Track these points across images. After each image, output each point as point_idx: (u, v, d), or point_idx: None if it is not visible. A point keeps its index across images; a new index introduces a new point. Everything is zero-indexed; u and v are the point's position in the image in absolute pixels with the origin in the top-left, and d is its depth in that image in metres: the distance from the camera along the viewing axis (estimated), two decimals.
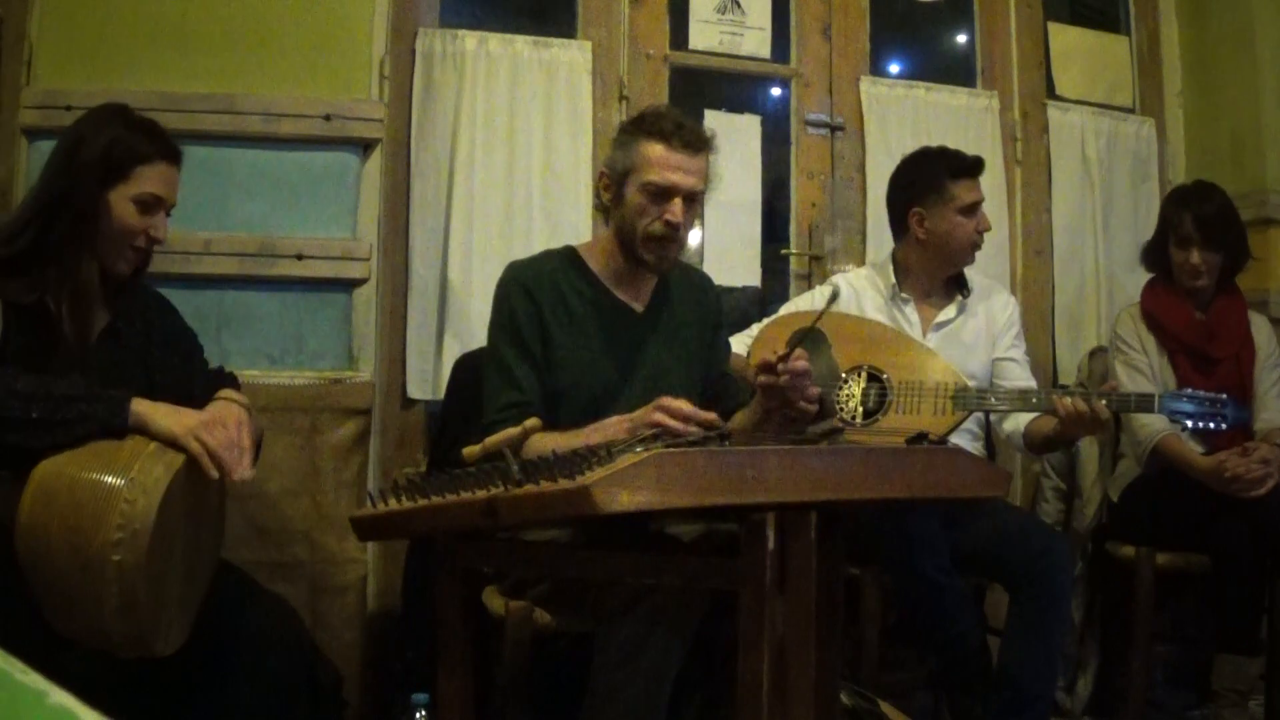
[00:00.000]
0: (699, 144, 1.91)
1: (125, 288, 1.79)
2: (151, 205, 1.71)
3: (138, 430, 1.53)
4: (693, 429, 1.61)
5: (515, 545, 1.72)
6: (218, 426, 1.58)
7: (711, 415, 1.67)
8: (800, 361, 1.78)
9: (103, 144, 1.67)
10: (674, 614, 1.59)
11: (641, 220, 1.90)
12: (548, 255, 2.05)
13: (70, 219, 1.66)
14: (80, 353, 1.67)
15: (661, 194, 1.88)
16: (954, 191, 2.44)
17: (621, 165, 1.92)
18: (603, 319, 1.97)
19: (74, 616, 1.44)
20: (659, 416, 1.66)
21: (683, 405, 1.67)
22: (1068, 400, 2.13)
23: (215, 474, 1.56)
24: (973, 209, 2.46)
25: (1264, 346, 2.61)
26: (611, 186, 1.95)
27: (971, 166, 2.47)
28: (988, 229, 2.50)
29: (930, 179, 2.48)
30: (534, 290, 1.93)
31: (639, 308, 2.02)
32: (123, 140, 1.68)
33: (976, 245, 2.50)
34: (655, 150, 1.88)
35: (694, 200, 1.92)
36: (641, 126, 1.93)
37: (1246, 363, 2.58)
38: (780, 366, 1.76)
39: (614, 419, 1.76)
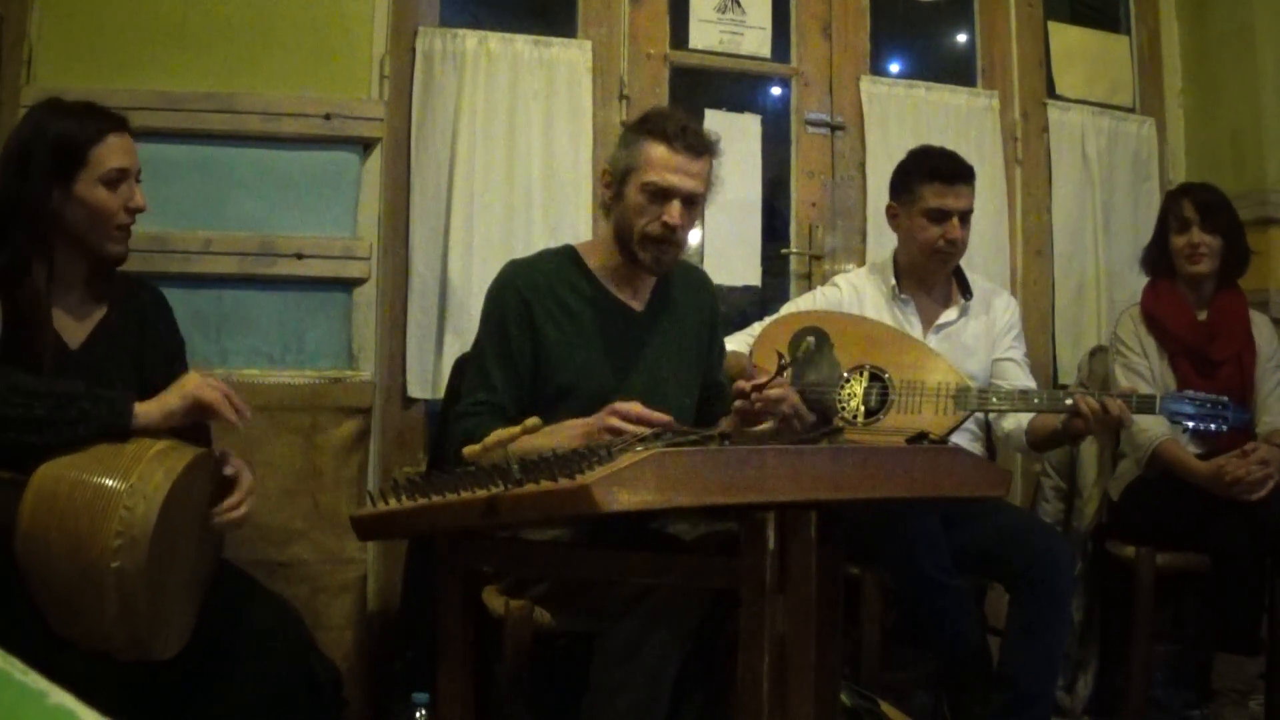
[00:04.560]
0: (701, 147, 1.91)
1: (118, 280, 1.79)
2: (119, 179, 1.71)
3: (144, 428, 1.53)
4: (644, 430, 1.61)
5: (515, 545, 1.72)
6: (210, 378, 1.63)
7: (664, 416, 1.67)
8: (775, 390, 1.79)
9: (49, 141, 1.66)
10: (674, 613, 1.59)
11: (639, 220, 1.90)
12: (546, 255, 2.05)
13: (27, 223, 1.65)
14: (60, 352, 1.67)
15: (661, 195, 1.89)
16: (921, 193, 2.42)
17: (623, 164, 1.93)
18: (601, 318, 1.97)
19: (73, 621, 1.44)
20: (612, 421, 1.66)
21: (633, 407, 1.68)
22: (1092, 400, 2.12)
23: (234, 417, 1.59)
24: (939, 215, 2.40)
25: (1265, 348, 2.61)
26: (613, 184, 1.95)
27: (948, 173, 2.42)
28: (955, 238, 2.40)
29: (906, 176, 2.48)
30: (528, 291, 1.94)
31: (638, 307, 2.02)
32: (67, 131, 1.67)
33: (940, 253, 2.43)
34: (657, 151, 1.89)
35: (693, 203, 1.92)
36: (645, 126, 1.93)
37: (1248, 365, 2.57)
38: (754, 396, 1.77)
39: (570, 422, 1.75)
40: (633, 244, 1.92)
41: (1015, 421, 2.38)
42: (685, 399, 2.05)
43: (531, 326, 1.92)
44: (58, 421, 1.47)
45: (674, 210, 1.89)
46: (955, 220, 2.41)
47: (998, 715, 2.14)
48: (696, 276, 2.18)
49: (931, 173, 2.42)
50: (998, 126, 3.18)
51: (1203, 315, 2.61)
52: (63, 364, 1.66)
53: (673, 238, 1.91)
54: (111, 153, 1.70)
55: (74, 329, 1.72)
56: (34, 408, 1.46)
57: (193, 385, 1.59)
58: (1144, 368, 2.59)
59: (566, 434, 1.70)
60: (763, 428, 1.86)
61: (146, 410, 1.54)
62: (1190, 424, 2.18)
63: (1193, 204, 2.58)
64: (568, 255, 2.02)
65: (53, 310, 1.68)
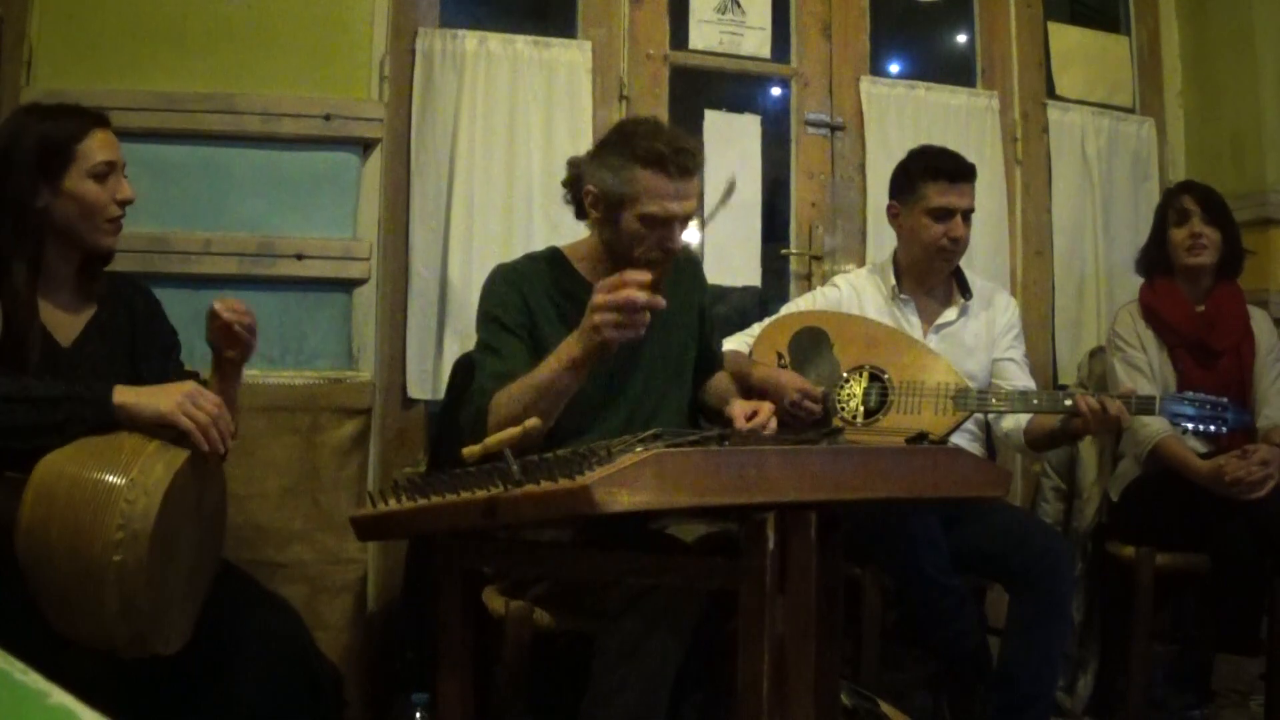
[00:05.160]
0: (694, 167, 1.89)
1: (107, 279, 1.79)
2: (107, 172, 1.71)
3: (126, 420, 1.52)
4: (633, 294, 1.59)
5: (515, 545, 1.72)
6: (201, 398, 1.57)
7: (644, 274, 1.63)
8: (754, 423, 1.81)
9: (33, 142, 1.66)
10: (673, 613, 1.59)
11: (638, 247, 1.89)
12: (532, 258, 2.05)
13: (12, 221, 1.65)
14: (51, 350, 1.67)
15: (660, 224, 1.87)
16: (924, 191, 2.42)
17: (615, 192, 1.87)
18: None
19: (75, 617, 1.44)
20: (598, 299, 1.62)
21: (613, 278, 1.64)
22: (1091, 399, 2.12)
23: (206, 447, 1.55)
24: (942, 213, 2.40)
25: (1264, 341, 2.61)
26: (600, 206, 1.91)
27: (952, 172, 2.42)
28: (958, 236, 2.41)
29: (909, 175, 2.48)
30: (524, 287, 1.94)
31: None
32: (49, 131, 1.68)
33: (944, 251, 2.43)
34: (655, 181, 1.84)
35: (688, 221, 1.92)
36: (637, 153, 1.85)
37: (1247, 356, 2.57)
38: (739, 426, 1.79)
39: (568, 339, 1.72)
40: (629, 266, 1.91)
41: (1014, 421, 2.38)
42: (680, 386, 2.06)
43: (530, 316, 1.92)
44: (44, 426, 1.47)
45: (674, 236, 1.88)
46: (959, 218, 2.41)
47: (998, 715, 2.14)
48: (681, 256, 2.16)
49: (935, 171, 2.42)
50: (998, 127, 3.19)
51: (1200, 308, 2.61)
52: (55, 362, 1.67)
53: (670, 258, 1.91)
54: (98, 147, 1.71)
55: (66, 327, 1.73)
56: (16, 414, 1.47)
57: (172, 405, 1.53)
58: (1143, 361, 2.59)
59: (564, 350, 1.69)
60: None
61: (124, 402, 1.52)
62: (1190, 425, 2.18)
63: (1193, 198, 2.60)
64: (554, 258, 2.03)
65: (44, 309, 1.69)
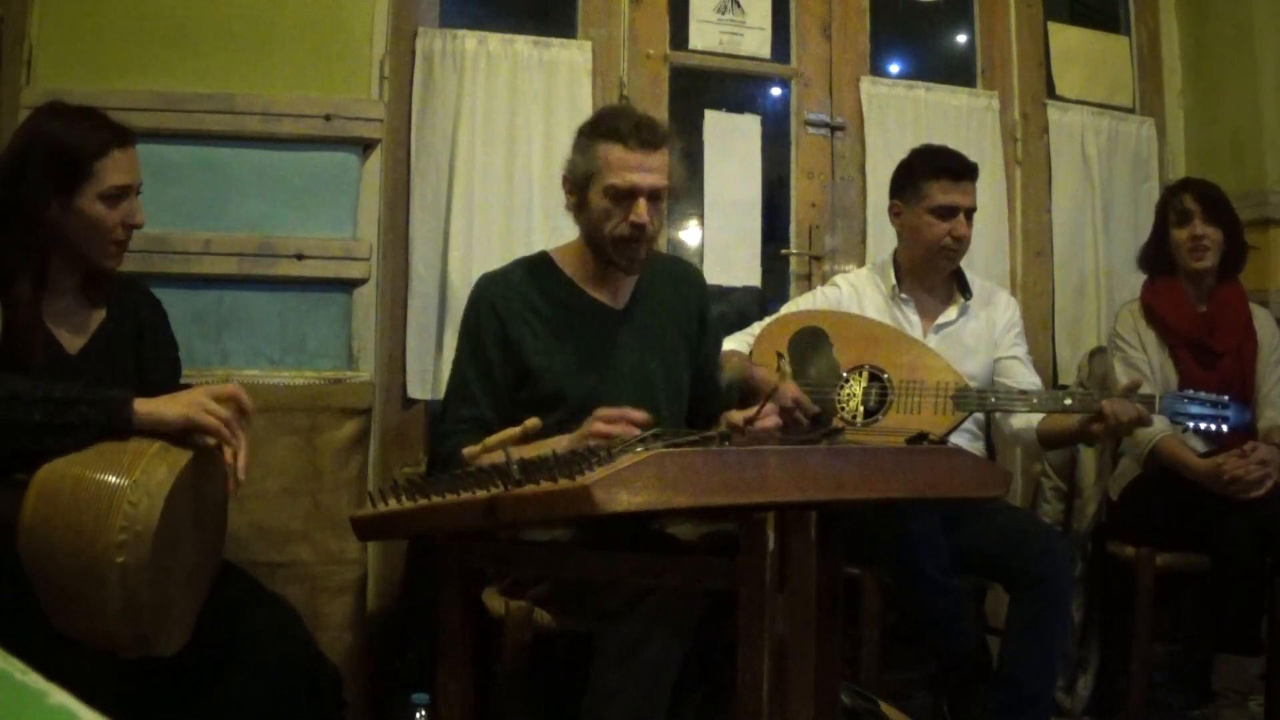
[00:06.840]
0: (657, 140, 1.90)
1: (116, 284, 1.79)
2: (120, 195, 1.68)
3: (144, 428, 1.51)
4: (630, 430, 1.60)
5: (515, 545, 1.72)
6: (214, 400, 1.56)
7: (642, 415, 1.65)
8: (768, 420, 1.80)
9: (51, 149, 1.63)
10: (673, 614, 1.60)
11: (607, 224, 1.90)
12: (518, 264, 2.05)
13: (21, 230, 1.63)
14: (57, 357, 1.66)
15: (624, 196, 1.88)
16: (927, 190, 2.42)
17: (582, 170, 1.92)
18: (579, 321, 1.97)
19: (77, 617, 1.44)
20: (598, 428, 1.64)
21: (611, 411, 1.67)
22: (1115, 404, 2.12)
23: (229, 445, 1.54)
24: (946, 211, 2.41)
25: (1267, 342, 2.60)
26: (575, 191, 1.95)
27: (955, 171, 2.43)
28: (961, 235, 2.42)
29: (912, 173, 2.48)
30: (500, 305, 1.94)
31: (617, 305, 2.02)
32: (71, 141, 1.64)
33: (946, 250, 2.44)
34: (613, 152, 1.88)
35: (658, 198, 1.92)
36: (599, 129, 1.92)
37: (1249, 357, 2.57)
38: (748, 432, 1.78)
39: (556, 438, 1.68)
40: (605, 248, 1.92)
41: (1025, 419, 2.37)
42: (675, 394, 2.05)
43: (507, 340, 1.92)
44: (59, 427, 1.46)
45: (640, 209, 1.88)
46: (961, 217, 2.42)
47: (997, 715, 2.13)
48: (682, 270, 2.17)
49: (939, 170, 2.43)
50: (998, 127, 3.19)
51: (1202, 309, 2.61)
52: (60, 370, 1.66)
53: (642, 235, 1.91)
54: (115, 168, 1.67)
55: (73, 334, 1.72)
56: (33, 414, 1.46)
57: (194, 410, 1.52)
58: (1142, 362, 2.59)
59: (553, 446, 1.68)
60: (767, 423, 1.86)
61: (143, 412, 1.51)
62: (1192, 424, 2.18)
63: (1194, 197, 2.58)
64: (541, 262, 2.03)
65: (50, 316, 1.68)
